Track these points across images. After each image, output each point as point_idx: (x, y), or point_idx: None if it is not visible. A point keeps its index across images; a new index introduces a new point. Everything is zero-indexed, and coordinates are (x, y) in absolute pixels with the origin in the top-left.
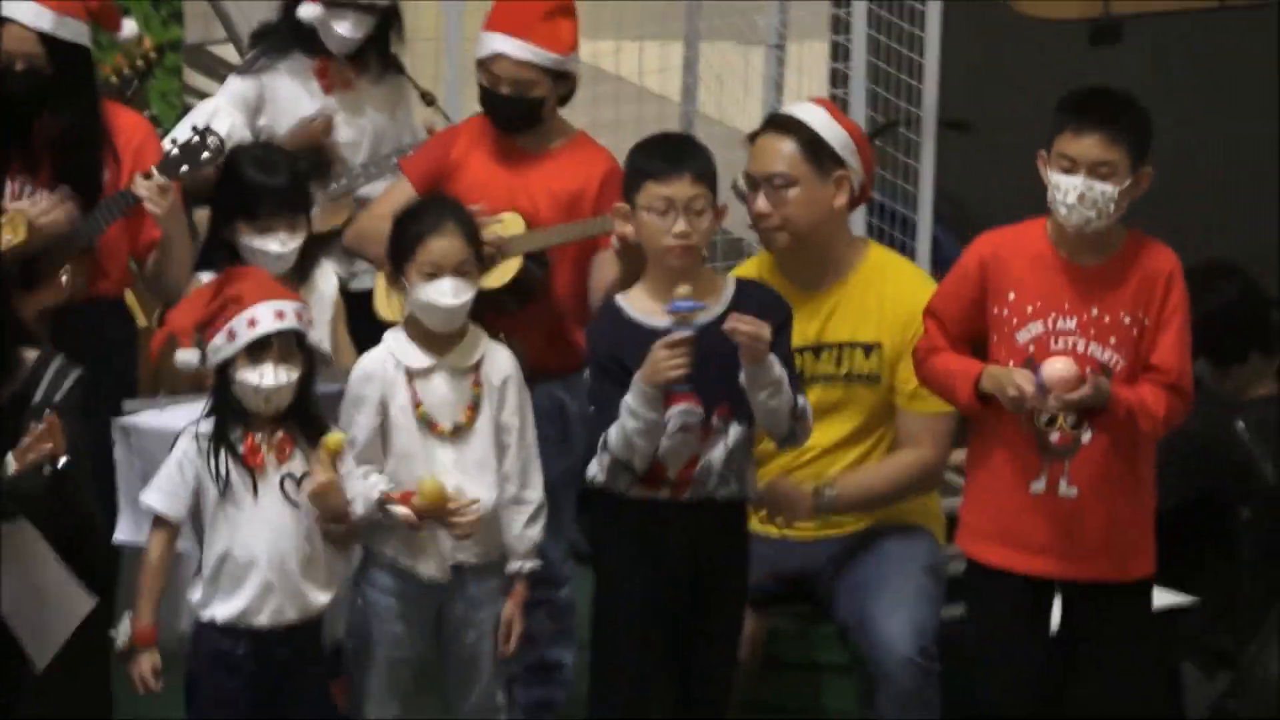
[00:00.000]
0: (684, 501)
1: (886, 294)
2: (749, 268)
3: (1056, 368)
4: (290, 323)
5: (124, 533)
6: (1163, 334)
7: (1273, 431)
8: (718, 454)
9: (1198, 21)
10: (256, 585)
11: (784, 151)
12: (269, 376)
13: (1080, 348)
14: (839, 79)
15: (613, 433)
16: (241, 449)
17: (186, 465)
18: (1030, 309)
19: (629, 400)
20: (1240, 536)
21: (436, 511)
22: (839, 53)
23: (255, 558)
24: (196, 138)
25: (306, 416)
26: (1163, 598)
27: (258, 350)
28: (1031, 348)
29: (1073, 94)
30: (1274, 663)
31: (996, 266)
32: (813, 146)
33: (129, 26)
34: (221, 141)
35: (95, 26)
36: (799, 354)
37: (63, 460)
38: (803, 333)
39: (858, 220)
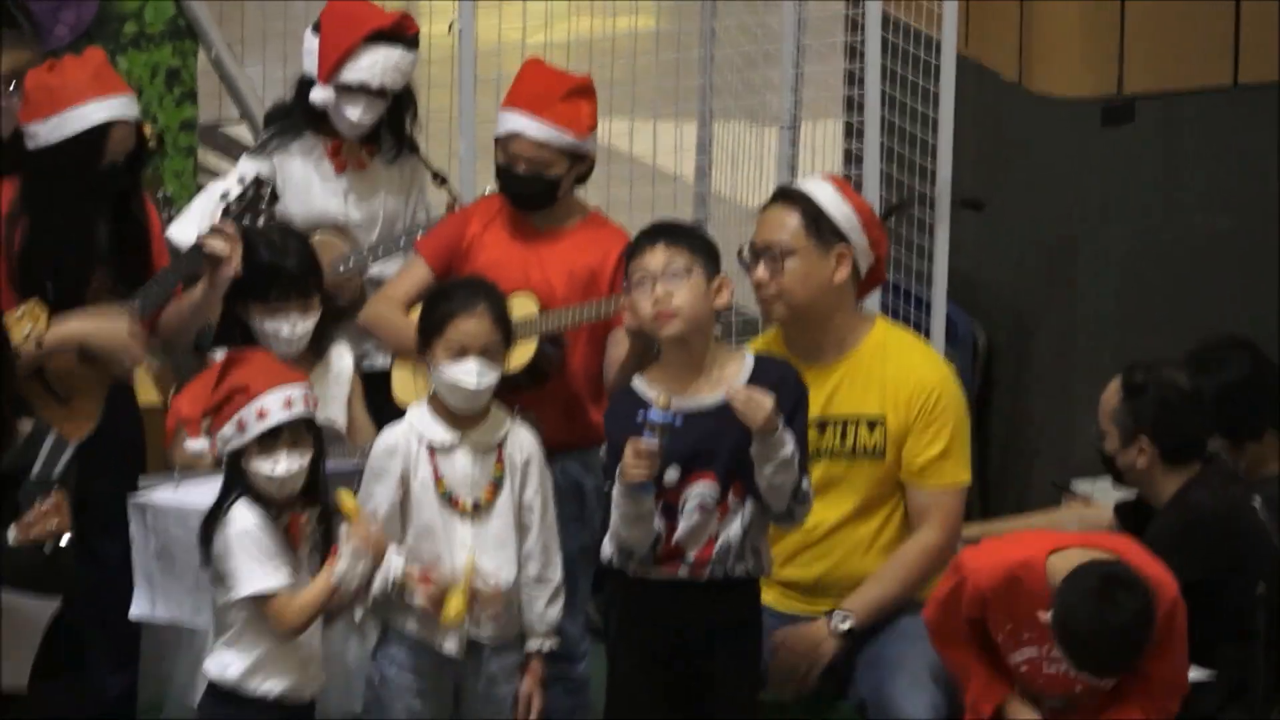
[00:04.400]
0: (701, 581)
1: (891, 369)
2: (758, 344)
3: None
4: (299, 410)
5: (140, 609)
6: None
7: None
8: (734, 531)
9: (1211, 100)
10: (299, 661)
11: (786, 222)
12: (282, 465)
13: (1072, 671)
14: (853, 159)
15: (612, 518)
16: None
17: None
18: (1026, 636)
19: (615, 492)
20: (1257, 612)
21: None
22: (853, 133)
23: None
24: (252, 189)
25: (316, 496)
26: None
27: (269, 440)
28: (1025, 668)
29: (1074, 634)
30: None
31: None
32: (815, 219)
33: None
34: (275, 190)
35: None
36: None
37: (66, 537)
38: (808, 406)
39: (873, 299)
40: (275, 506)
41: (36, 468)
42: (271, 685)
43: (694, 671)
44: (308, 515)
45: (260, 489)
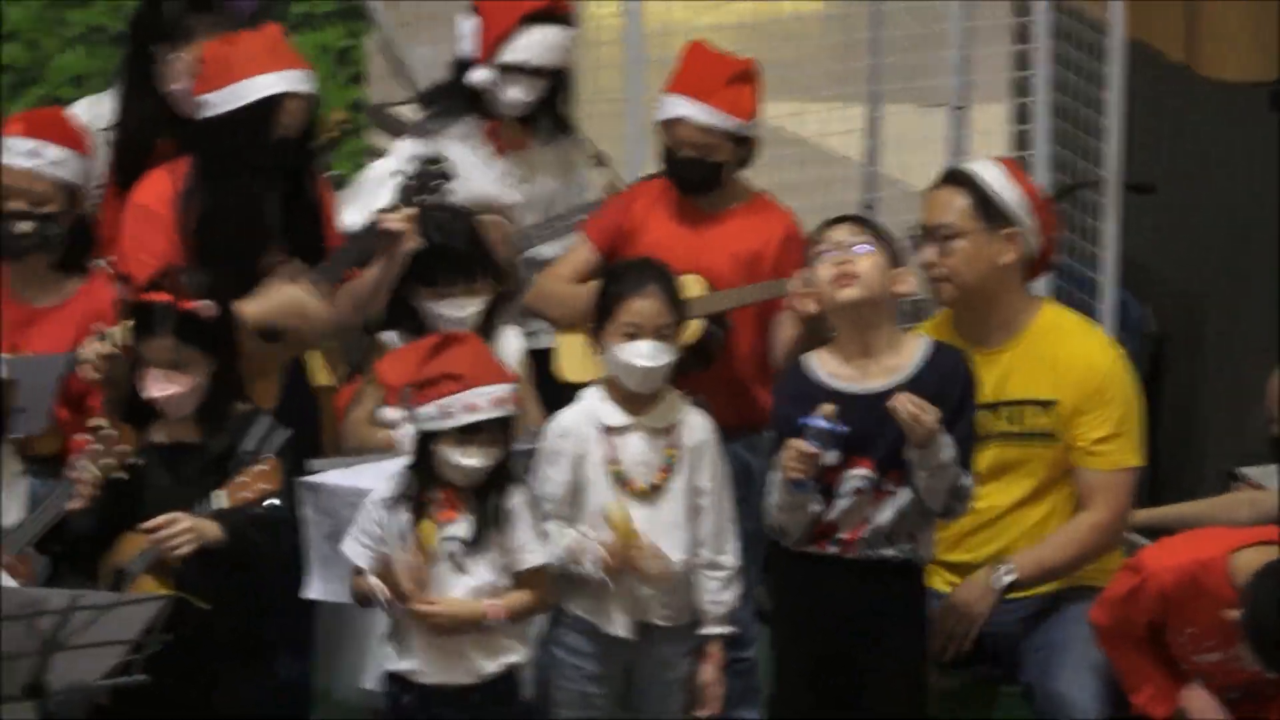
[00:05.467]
0: (853, 560)
1: (1062, 352)
2: (926, 326)
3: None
4: (506, 410)
5: (313, 591)
6: None
7: None
8: (886, 516)
9: None
10: (428, 643)
11: (954, 204)
12: (474, 459)
13: (1262, 670)
14: (1021, 141)
15: (770, 497)
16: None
17: (377, 521)
18: (1208, 638)
19: (772, 477)
20: None
21: (624, 549)
22: (1022, 115)
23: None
24: (428, 167)
25: (489, 487)
26: None
27: (468, 432)
28: (1206, 667)
29: (1265, 635)
30: None
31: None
32: (983, 202)
33: None
34: (450, 169)
35: None
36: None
37: (273, 501)
38: (979, 390)
39: (1042, 282)
40: (435, 491)
41: (249, 446)
42: (433, 673)
43: (853, 653)
44: (468, 508)
45: (446, 473)
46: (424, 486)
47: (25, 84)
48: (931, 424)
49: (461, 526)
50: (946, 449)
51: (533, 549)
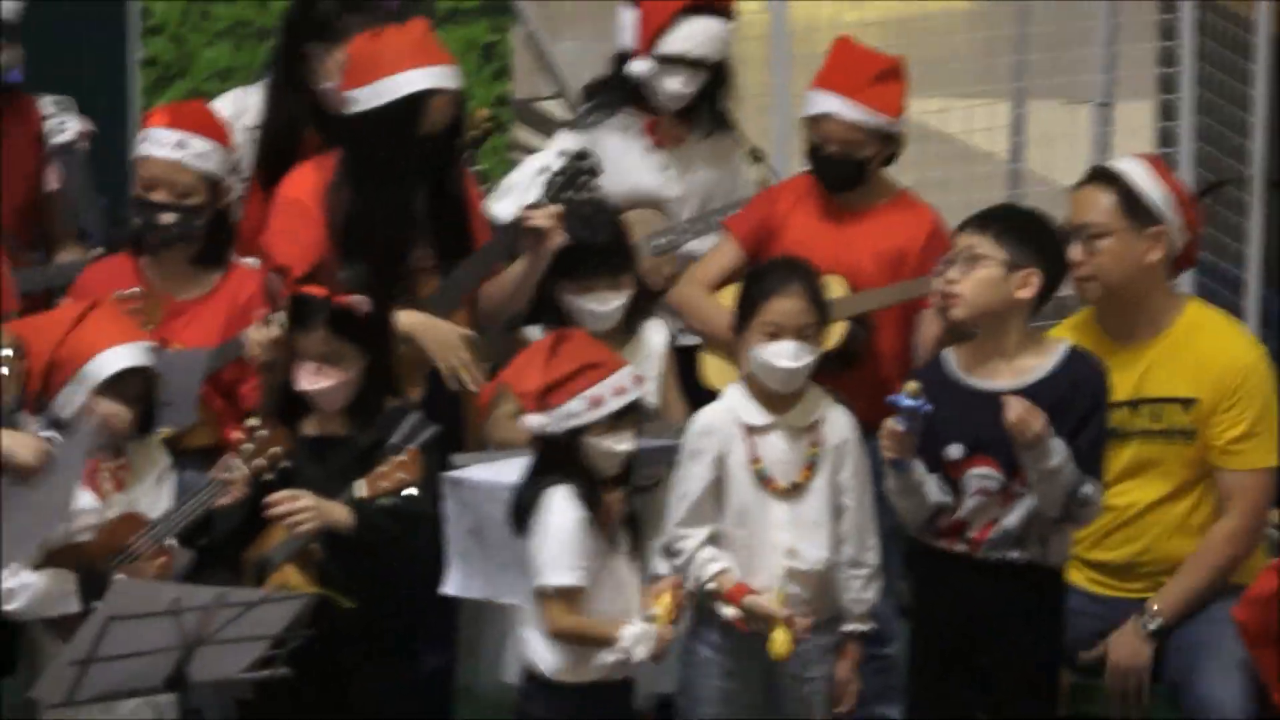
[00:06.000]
0: (984, 559)
1: (1203, 349)
2: (1069, 322)
3: None
4: (644, 389)
5: (453, 587)
6: None
7: None
8: (1015, 519)
9: None
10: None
11: (1100, 203)
12: (627, 443)
13: None
14: (1166, 138)
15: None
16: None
17: (578, 534)
18: None
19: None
20: None
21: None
22: (1167, 112)
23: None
24: (575, 163)
25: (628, 474)
26: None
27: (620, 417)
28: None
29: None
30: None
31: None
32: (1130, 200)
33: None
34: (597, 165)
35: None
36: (1116, 409)
37: (411, 492)
38: (1120, 387)
39: (1186, 278)
40: (595, 488)
41: (397, 437)
42: (582, 671)
43: (984, 651)
44: (620, 493)
45: (598, 466)
46: (588, 490)
47: (171, 78)
48: (1037, 429)
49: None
50: (1056, 455)
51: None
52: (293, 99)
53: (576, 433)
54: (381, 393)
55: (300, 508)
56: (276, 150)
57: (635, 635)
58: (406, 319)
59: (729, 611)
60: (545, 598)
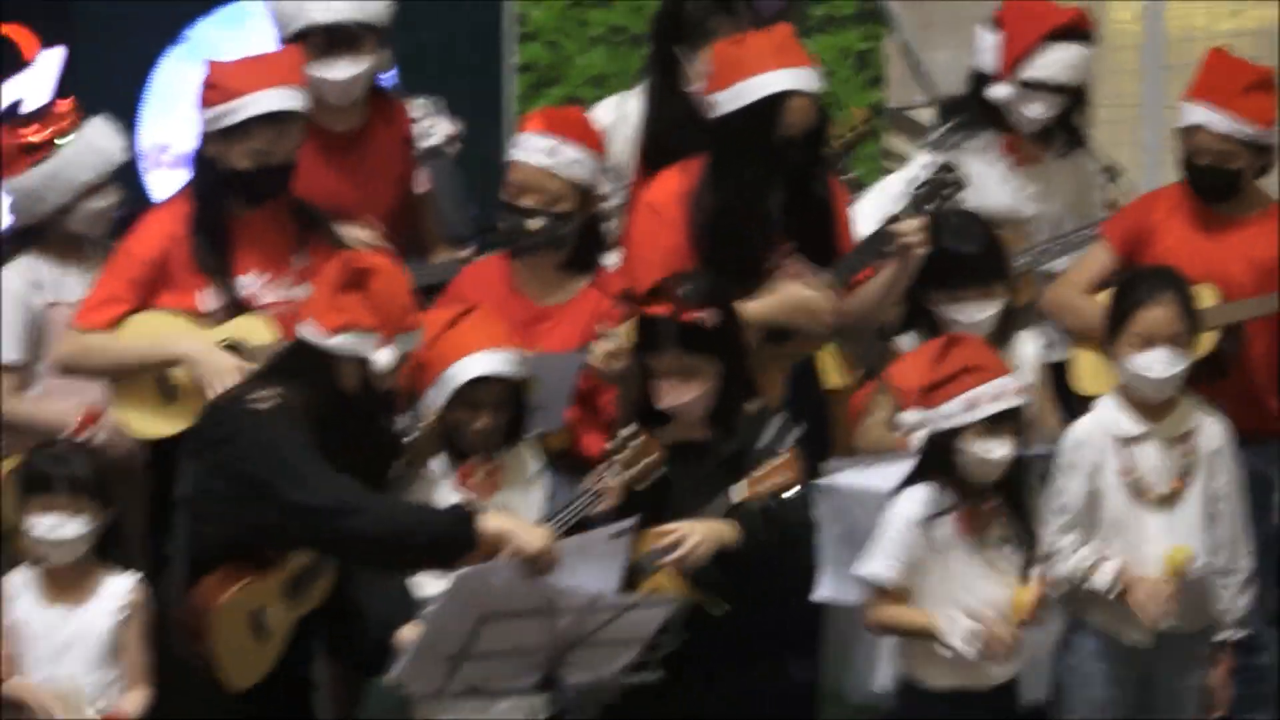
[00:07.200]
0: None
1: None
2: None
3: None
4: (1024, 399)
5: (826, 591)
6: None
7: None
8: None
9: None
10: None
11: None
12: (1001, 450)
13: None
14: None
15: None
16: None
17: (905, 534)
18: None
19: None
20: None
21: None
22: None
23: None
24: (940, 174)
25: (1014, 485)
26: None
27: (994, 423)
28: None
29: None
30: None
31: None
32: None
33: None
34: (962, 177)
35: None
36: None
37: (794, 490)
38: None
39: None
40: (963, 492)
41: (763, 441)
42: (943, 678)
43: None
44: (996, 501)
45: (969, 471)
46: (951, 494)
47: (546, 84)
48: None
49: (1001, 529)
50: None
51: (1062, 550)
52: (669, 103)
53: (952, 434)
54: (740, 397)
55: (692, 546)
56: (657, 155)
57: (961, 630)
58: (768, 300)
59: (1107, 576)
60: (865, 587)
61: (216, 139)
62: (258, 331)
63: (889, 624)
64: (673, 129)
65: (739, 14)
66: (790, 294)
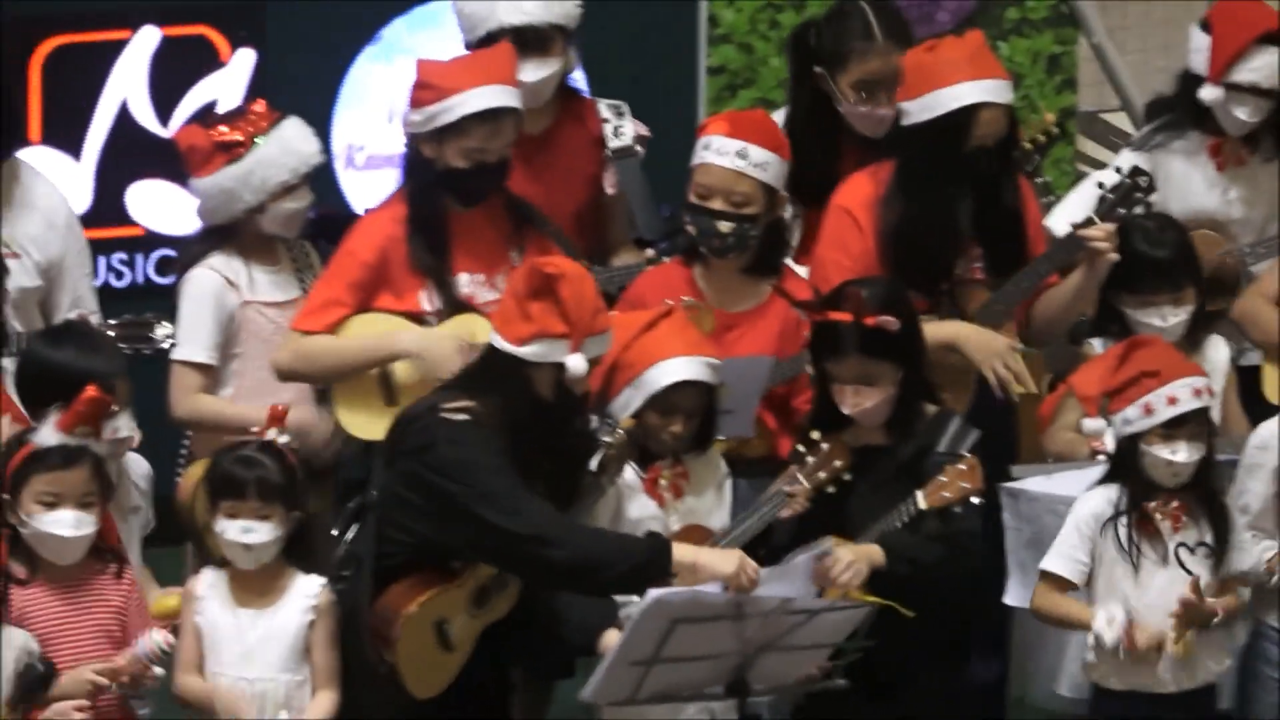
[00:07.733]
0: None
1: None
2: None
3: None
4: (1205, 400)
5: (1013, 596)
6: None
7: None
8: None
9: None
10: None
11: None
12: (1182, 454)
13: None
14: None
15: None
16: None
17: (1085, 531)
18: None
19: None
20: None
21: None
22: None
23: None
24: (1129, 179)
25: (1207, 488)
26: None
27: (1173, 427)
28: None
29: None
30: None
31: None
32: None
33: None
34: (1151, 183)
35: None
36: None
37: (975, 500)
38: None
39: None
40: (1146, 495)
41: (943, 444)
42: (1118, 679)
43: None
44: (1180, 504)
45: (1154, 475)
46: (1134, 496)
47: (738, 86)
48: None
49: (1193, 532)
50: None
51: (1245, 549)
52: (811, 121)
53: (1135, 438)
54: (920, 401)
55: (842, 570)
56: (798, 172)
57: (1110, 624)
58: (953, 328)
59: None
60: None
61: (430, 138)
62: (477, 330)
63: (1049, 612)
64: (815, 148)
65: (873, 38)
66: (979, 334)
